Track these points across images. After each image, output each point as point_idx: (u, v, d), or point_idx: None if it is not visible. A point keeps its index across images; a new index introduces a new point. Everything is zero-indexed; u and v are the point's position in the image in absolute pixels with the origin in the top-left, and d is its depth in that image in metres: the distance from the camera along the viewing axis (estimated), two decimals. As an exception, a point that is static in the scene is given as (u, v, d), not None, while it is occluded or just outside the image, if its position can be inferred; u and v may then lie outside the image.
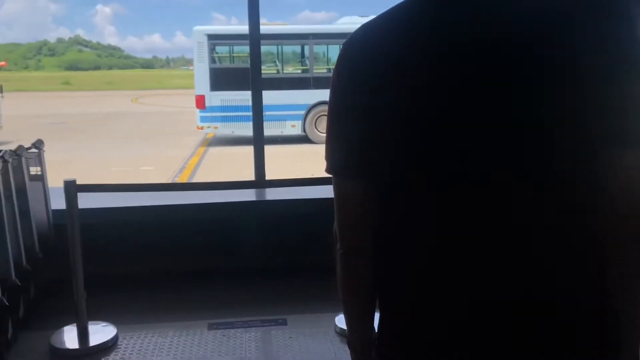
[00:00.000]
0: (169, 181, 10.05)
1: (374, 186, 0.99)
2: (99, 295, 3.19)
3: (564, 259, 0.90)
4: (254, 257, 3.88)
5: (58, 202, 3.65)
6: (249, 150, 14.42)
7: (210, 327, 3.24)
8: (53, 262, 3.53)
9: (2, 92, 16.14)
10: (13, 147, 3.34)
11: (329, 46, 15.44)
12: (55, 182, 3.69)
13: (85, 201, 3.10)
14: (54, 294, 3.49)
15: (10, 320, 2.97)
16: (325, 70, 15.66)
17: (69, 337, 3.08)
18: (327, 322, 3.25)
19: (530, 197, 0.89)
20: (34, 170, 3.59)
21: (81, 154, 12.51)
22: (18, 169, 3.31)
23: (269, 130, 14.47)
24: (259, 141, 4.75)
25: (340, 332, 3.16)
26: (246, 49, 14.55)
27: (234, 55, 15.30)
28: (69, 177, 3.02)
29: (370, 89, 0.95)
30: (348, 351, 1.19)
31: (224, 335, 3.17)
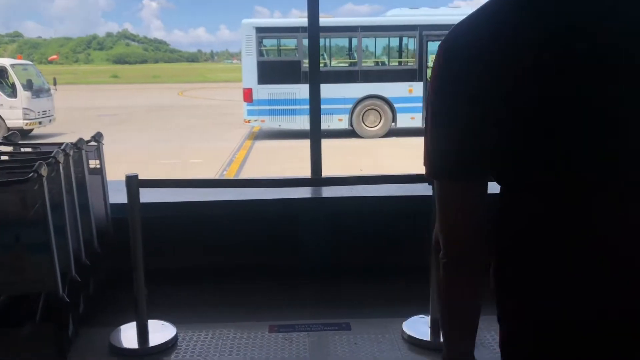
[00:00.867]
0: (217, 174, 10.04)
1: (484, 187, 0.97)
2: (158, 291, 3.10)
3: None
4: (315, 256, 3.73)
5: (115, 196, 3.60)
6: (296, 144, 14.48)
7: (271, 329, 3.11)
8: (111, 257, 3.48)
9: (55, 85, 16.52)
10: (67, 138, 3.28)
11: (377, 39, 15.18)
12: (108, 174, 3.64)
13: (144, 195, 3.01)
14: (113, 290, 3.43)
15: (71, 316, 2.90)
16: (372, 64, 15.42)
17: (129, 336, 2.99)
18: (394, 328, 3.07)
19: None
20: (93, 163, 3.53)
21: (131, 145, 12.65)
22: (79, 162, 3.25)
23: (316, 124, 14.37)
24: (316, 137, 4.59)
25: (409, 340, 2.98)
26: (293, 42, 14.59)
27: (282, 48, 15.20)
28: (127, 171, 2.93)
29: (480, 85, 0.92)
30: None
31: (285, 339, 3.02)
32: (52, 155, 2.78)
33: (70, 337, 2.89)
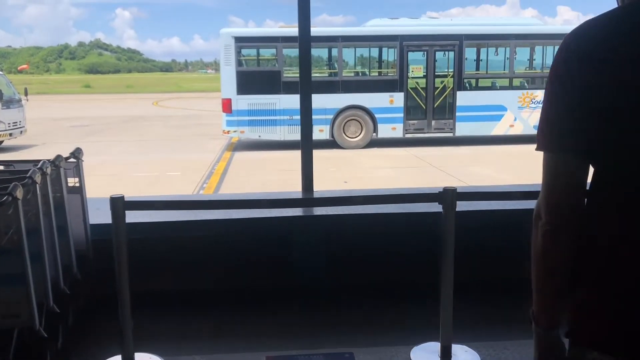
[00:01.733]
0: (197, 187, 9.75)
1: (585, 163, 1.11)
2: (144, 318, 2.85)
3: None
4: (310, 278, 3.50)
5: (94, 215, 3.34)
6: (277, 155, 14.25)
7: (269, 361, 2.87)
8: (91, 282, 3.21)
9: (27, 95, 16.01)
10: (39, 150, 3.02)
11: (357, 49, 15.07)
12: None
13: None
14: (94, 319, 3.15)
15: (49, 352, 2.62)
16: (353, 74, 15.29)
17: (114, 372, 2.72)
18: (402, 358, 2.86)
19: None
20: (72, 181, 3.26)
21: (105, 158, 12.27)
22: (56, 181, 2.98)
23: (297, 134, 14.08)
24: (307, 151, 4.38)
25: (418, 370, 2.77)
26: (273, 51, 14.38)
27: (261, 58, 14.98)
28: (101, 184, 2.68)
29: (594, 70, 1.06)
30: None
31: (284, 372, 2.79)
32: (29, 175, 2.51)
33: (48, 375, 2.61)
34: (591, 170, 1.15)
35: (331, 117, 13.87)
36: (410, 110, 14.33)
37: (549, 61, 15.04)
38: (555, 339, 1.22)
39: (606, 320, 1.11)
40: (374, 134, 14.27)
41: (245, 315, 3.29)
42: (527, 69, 15.27)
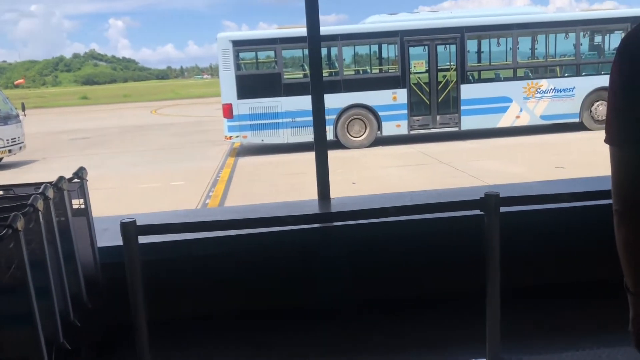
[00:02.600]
0: (203, 196, 9.51)
1: None
2: (162, 347, 2.62)
3: None
4: (336, 293, 3.26)
5: (102, 237, 3.11)
6: (281, 158, 13.98)
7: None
8: (103, 311, 2.97)
9: (24, 110, 15.78)
10: (39, 166, 2.79)
11: (358, 47, 14.83)
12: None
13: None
14: (109, 352, 2.92)
15: (61, 395, 2.39)
16: (354, 72, 15.05)
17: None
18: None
19: None
20: (77, 203, 3.03)
21: (106, 170, 12.04)
22: (60, 205, 2.74)
23: (300, 136, 13.94)
24: (322, 156, 4.13)
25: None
26: (271, 53, 14.15)
27: (260, 61, 14.74)
28: (102, 198, 2.45)
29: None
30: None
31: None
32: (30, 202, 2.27)
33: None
34: None
35: (334, 117, 13.62)
36: (414, 107, 14.08)
37: (552, 49, 14.81)
38: None
39: None
40: (379, 132, 14.03)
41: (275, 340, 3.06)
42: (530, 58, 15.01)
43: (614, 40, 15.14)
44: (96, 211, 3.10)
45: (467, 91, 14.07)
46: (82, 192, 3.02)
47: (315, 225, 3.34)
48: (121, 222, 2.34)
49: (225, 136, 13.95)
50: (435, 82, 14.12)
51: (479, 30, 14.34)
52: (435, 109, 14.14)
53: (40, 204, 2.33)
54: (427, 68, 14.11)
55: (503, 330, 2.55)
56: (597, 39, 15.26)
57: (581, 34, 14.53)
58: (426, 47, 14.09)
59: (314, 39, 3.96)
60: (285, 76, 13.97)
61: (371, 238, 3.31)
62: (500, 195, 2.42)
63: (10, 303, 2.13)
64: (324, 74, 14.58)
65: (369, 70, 15.02)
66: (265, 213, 3.75)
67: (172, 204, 8.53)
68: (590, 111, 14.27)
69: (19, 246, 2.09)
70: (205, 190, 9.99)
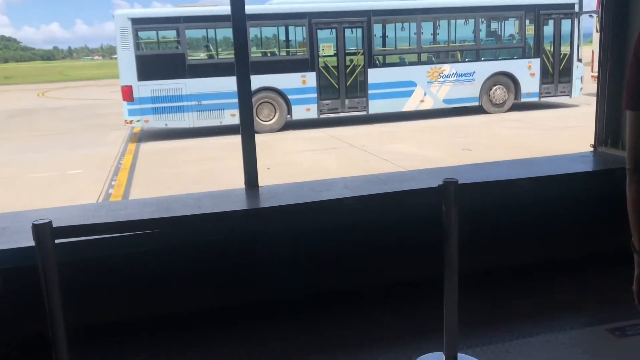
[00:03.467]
0: (105, 185, 8.84)
1: None
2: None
3: None
4: (282, 287, 3.04)
5: None
6: (188, 143, 13.31)
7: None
8: (7, 322, 2.55)
9: None
10: None
11: (265, 28, 14.46)
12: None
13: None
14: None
15: None
16: (260, 55, 14.68)
17: None
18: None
19: None
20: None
21: (-7, 159, 10.91)
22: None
23: (207, 120, 13.41)
24: (249, 142, 3.86)
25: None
26: (174, 33, 13.44)
27: (162, 40, 13.96)
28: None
29: None
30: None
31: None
32: None
33: None
34: None
35: (242, 100, 13.20)
36: (324, 90, 13.98)
37: (453, 35, 15.27)
38: None
39: None
40: (289, 116, 13.81)
41: (211, 344, 2.78)
42: (433, 43, 15.38)
43: (509, 27, 15.90)
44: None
45: (374, 75, 14.18)
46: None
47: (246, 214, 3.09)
48: (33, 225, 1.95)
49: (126, 120, 13.11)
50: (344, 65, 14.09)
51: (384, 14, 14.46)
52: (344, 92, 14.12)
53: None
54: (336, 51, 14.03)
55: (461, 318, 2.45)
56: (494, 25, 15.94)
57: (480, 20, 15.08)
58: (334, 30, 14.00)
59: (238, 18, 3.67)
60: (189, 57, 13.34)
61: (313, 224, 3.10)
62: (458, 182, 2.30)
63: None
64: (230, 56, 14.08)
65: (277, 53, 14.71)
66: (190, 205, 3.43)
67: (73, 196, 7.83)
68: (489, 95, 14.90)
69: None
70: (107, 179, 9.29)
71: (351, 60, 14.18)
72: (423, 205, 2.67)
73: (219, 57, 13.88)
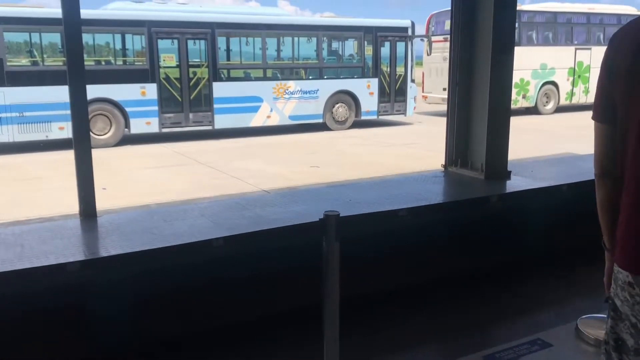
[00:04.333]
0: None
1: (615, 128, 1.46)
2: None
3: None
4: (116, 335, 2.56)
5: None
6: (8, 160, 11.71)
7: None
8: None
9: None
10: None
11: (99, 34, 13.33)
12: None
13: None
14: None
15: None
16: (94, 63, 13.51)
17: None
18: None
19: None
20: None
21: None
22: None
23: (30, 134, 11.95)
24: (84, 161, 3.36)
25: None
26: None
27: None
28: None
29: (616, 61, 1.43)
30: None
31: None
32: None
33: None
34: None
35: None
36: (165, 103, 13.23)
37: (297, 52, 15.45)
38: None
39: (622, 244, 1.45)
40: (126, 129, 12.84)
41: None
42: (278, 59, 15.41)
43: (350, 47, 16.52)
44: None
45: (220, 89, 13.78)
46: None
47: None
48: None
49: None
50: (187, 78, 13.49)
51: (229, 27, 14.16)
52: (188, 106, 13.52)
53: None
54: (178, 63, 13.40)
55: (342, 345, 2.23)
56: (336, 45, 16.44)
57: (322, 39, 15.44)
58: (176, 41, 13.36)
59: (72, 22, 3.18)
60: (9, 63, 11.82)
61: (174, 270, 2.69)
62: (339, 215, 2.07)
63: None
64: (57, 63, 12.76)
65: (112, 62, 13.65)
66: (9, 243, 2.81)
67: None
68: (332, 112, 15.28)
69: None
70: None
71: (195, 73, 13.63)
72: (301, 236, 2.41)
73: (45, 63, 12.50)
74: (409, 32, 16.05)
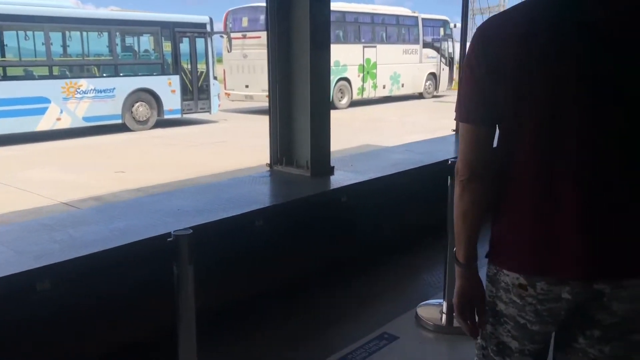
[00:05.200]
0: None
1: (493, 129, 1.38)
2: None
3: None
4: None
5: None
6: None
7: None
8: None
9: None
10: None
11: None
12: None
13: None
14: None
15: None
16: None
17: None
18: None
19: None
20: None
21: None
22: None
23: None
24: None
25: None
26: None
27: None
28: None
29: (499, 57, 1.32)
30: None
31: None
32: None
33: None
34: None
35: None
36: None
37: (87, 48, 14.16)
38: (473, 272, 1.45)
39: (511, 246, 1.39)
40: None
41: None
42: (66, 56, 13.95)
43: (147, 43, 15.64)
44: None
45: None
46: None
47: None
48: None
49: None
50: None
51: (2, 19, 12.40)
52: (-44, 109, 11.56)
53: None
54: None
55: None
56: (132, 40, 15.44)
57: (116, 34, 14.37)
58: None
59: None
60: None
61: None
62: (192, 233, 1.81)
63: None
64: None
65: None
66: None
67: None
68: (132, 112, 14.33)
69: None
70: None
71: (-39, 72, 11.70)
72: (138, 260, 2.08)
73: None
74: (208, 29, 15.71)
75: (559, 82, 1.27)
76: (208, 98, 15.88)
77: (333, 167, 4.38)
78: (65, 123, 13.21)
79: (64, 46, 13.86)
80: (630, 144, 1.27)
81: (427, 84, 22.97)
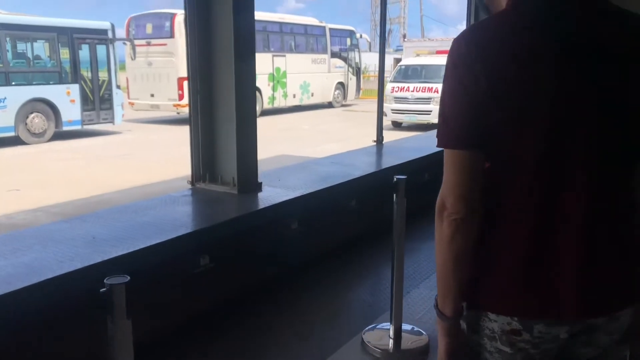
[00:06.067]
0: None
1: (486, 155, 1.19)
2: None
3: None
4: None
5: None
6: None
7: None
8: None
9: None
10: None
11: None
12: None
13: None
14: None
15: None
16: None
17: None
18: None
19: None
20: None
21: None
22: None
23: None
24: None
25: None
26: None
27: None
28: None
29: (502, 76, 1.13)
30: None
31: None
32: None
33: None
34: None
35: None
36: None
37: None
38: (459, 327, 1.27)
39: (500, 287, 1.21)
40: None
41: None
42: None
43: (43, 50, 14.54)
44: None
45: None
46: None
47: None
48: None
49: None
50: None
51: None
52: None
53: None
54: None
55: None
56: (25, 46, 14.28)
57: (6, 39, 13.23)
58: None
59: None
60: None
61: None
62: (127, 282, 1.51)
63: None
64: None
65: None
66: None
67: None
68: (26, 124, 13.24)
69: None
70: None
71: None
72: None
73: None
74: (110, 35, 14.87)
75: (568, 108, 1.14)
76: (111, 108, 15.00)
77: (261, 183, 4.15)
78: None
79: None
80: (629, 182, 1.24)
81: (336, 93, 23.17)
